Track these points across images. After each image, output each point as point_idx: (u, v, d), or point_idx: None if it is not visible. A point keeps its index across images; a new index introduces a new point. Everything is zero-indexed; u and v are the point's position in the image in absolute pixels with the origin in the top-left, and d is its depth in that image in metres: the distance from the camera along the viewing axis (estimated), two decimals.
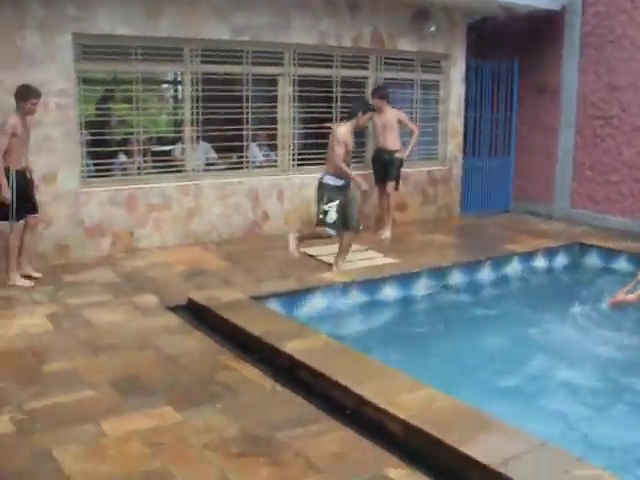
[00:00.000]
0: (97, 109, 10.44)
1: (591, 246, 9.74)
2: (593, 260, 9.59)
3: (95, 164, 9.13)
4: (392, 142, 10.21)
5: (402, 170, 10.44)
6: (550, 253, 9.50)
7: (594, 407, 5.21)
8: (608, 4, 11.23)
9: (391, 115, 10.21)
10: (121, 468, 3.84)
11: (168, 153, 10.50)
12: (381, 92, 10.27)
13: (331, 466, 3.89)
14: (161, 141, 11.53)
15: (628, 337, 6.58)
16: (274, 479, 3.76)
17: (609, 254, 9.45)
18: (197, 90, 9.44)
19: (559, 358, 6.14)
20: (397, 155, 10.20)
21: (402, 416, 4.19)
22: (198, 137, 9.68)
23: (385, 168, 10.20)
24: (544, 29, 12.25)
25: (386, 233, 10.09)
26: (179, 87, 9.77)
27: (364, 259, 8.68)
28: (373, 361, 5.10)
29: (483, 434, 4.05)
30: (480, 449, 3.84)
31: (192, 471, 3.83)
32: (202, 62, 9.43)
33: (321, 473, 3.81)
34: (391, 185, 10.20)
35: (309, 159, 10.43)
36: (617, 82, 11.22)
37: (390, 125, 10.18)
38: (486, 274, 8.64)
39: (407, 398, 4.44)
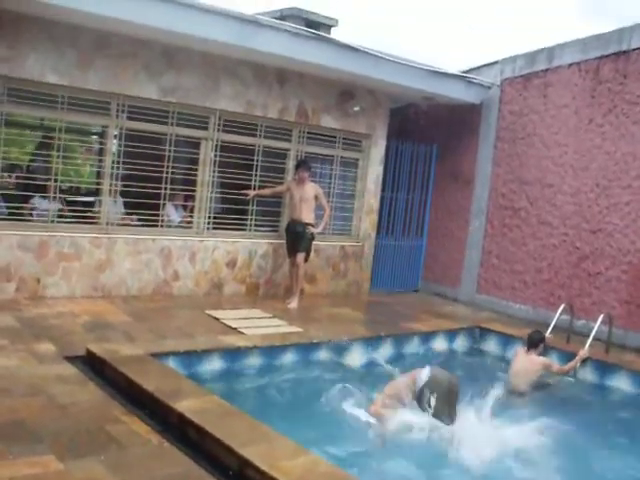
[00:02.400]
0: (33, 154, 10.42)
1: (490, 331, 10.09)
2: (491, 344, 9.92)
3: (8, 207, 9.08)
4: (306, 215, 10.47)
5: (315, 243, 10.67)
6: (450, 334, 9.79)
7: None
8: (522, 104, 11.87)
9: (310, 189, 10.49)
10: None
11: (85, 204, 10.50)
12: (308, 166, 10.59)
13: None
14: (80, 191, 11.54)
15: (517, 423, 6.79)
16: None
17: (507, 339, 9.79)
18: (120, 145, 9.56)
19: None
20: (310, 229, 10.43)
21: None
22: (116, 191, 9.73)
23: (297, 239, 10.44)
24: (463, 120, 12.83)
25: (293, 303, 10.24)
26: (104, 140, 9.78)
27: (269, 326, 8.78)
28: (260, 425, 5.17)
29: None
30: None
31: None
32: (128, 118, 9.57)
33: None
34: (301, 256, 10.42)
35: (224, 223, 10.58)
36: (526, 176, 11.78)
37: (307, 198, 10.44)
38: (385, 350, 8.84)
39: (289, 463, 4.52)
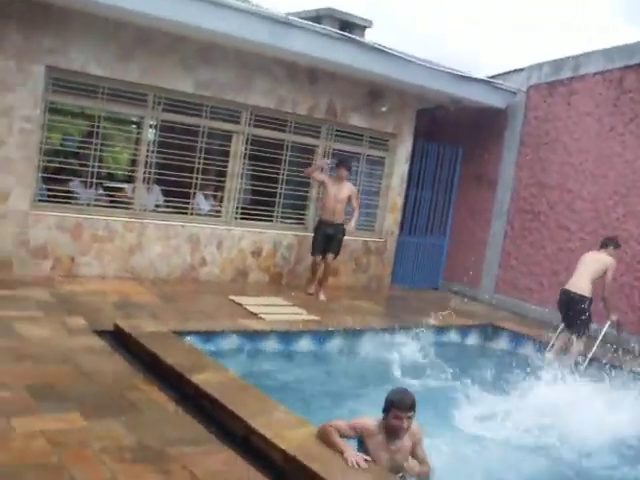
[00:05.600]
0: (81, 142, 10.88)
1: (503, 329, 10.42)
2: (502, 342, 10.26)
3: (48, 189, 9.58)
4: (339, 216, 10.66)
5: None
6: (463, 331, 10.16)
7: None
8: (547, 110, 12.18)
9: (346, 188, 10.67)
10: (20, 459, 4.26)
11: (120, 190, 11.00)
12: (349, 165, 10.86)
13: None
14: (117, 178, 12.05)
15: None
16: None
17: (518, 338, 10.15)
18: (155, 135, 10.03)
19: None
20: (343, 229, 10.71)
21: (283, 447, 4.70)
22: (150, 179, 10.20)
23: (330, 241, 10.67)
24: (489, 124, 13.16)
25: (322, 295, 10.60)
26: (140, 129, 10.29)
27: (288, 313, 9.19)
28: (268, 399, 5.61)
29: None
30: None
31: (85, 469, 4.27)
32: (164, 110, 10.03)
33: None
34: (331, 256, 10.71)
35: (252, 214, 11.02)
36: (548, 181, 12.09)
37: (341, 199, 10.63)
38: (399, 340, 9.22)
39: (291, 433, 4.95)
